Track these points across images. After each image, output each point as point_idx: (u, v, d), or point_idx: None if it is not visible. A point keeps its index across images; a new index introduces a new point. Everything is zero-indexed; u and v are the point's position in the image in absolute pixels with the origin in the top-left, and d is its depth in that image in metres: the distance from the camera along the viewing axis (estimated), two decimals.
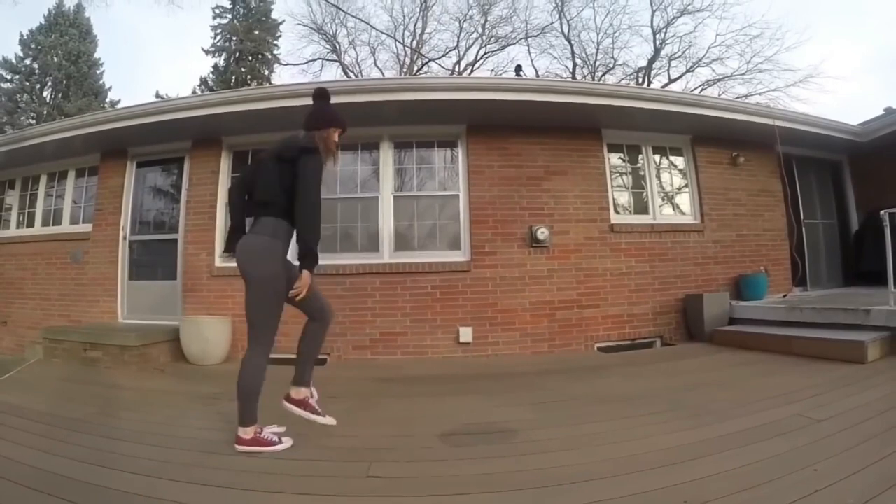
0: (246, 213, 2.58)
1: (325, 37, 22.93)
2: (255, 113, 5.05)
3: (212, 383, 3.95)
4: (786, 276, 6.12)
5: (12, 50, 23.72)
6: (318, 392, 2.61)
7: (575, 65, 21.46)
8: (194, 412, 3.07)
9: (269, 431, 2.38)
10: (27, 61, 22.86)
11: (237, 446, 2.28)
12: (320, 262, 2.28)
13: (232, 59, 23.15)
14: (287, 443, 2.36)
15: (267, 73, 23.64)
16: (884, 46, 30.44)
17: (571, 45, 21.39)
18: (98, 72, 24.30)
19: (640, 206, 5.83)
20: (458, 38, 22.34)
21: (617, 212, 5.66)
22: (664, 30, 20.31)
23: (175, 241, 5.64)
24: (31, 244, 6.34)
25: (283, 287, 2.37)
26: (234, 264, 2.43)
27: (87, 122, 5.66)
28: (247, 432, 2.28)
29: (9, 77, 22.56)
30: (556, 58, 22.66)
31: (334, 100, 4.85)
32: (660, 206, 5.88)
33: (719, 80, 19.92)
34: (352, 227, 5.41)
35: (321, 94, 2.66)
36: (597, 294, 5.32)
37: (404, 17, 22.96)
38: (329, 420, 2.53)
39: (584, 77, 20.72)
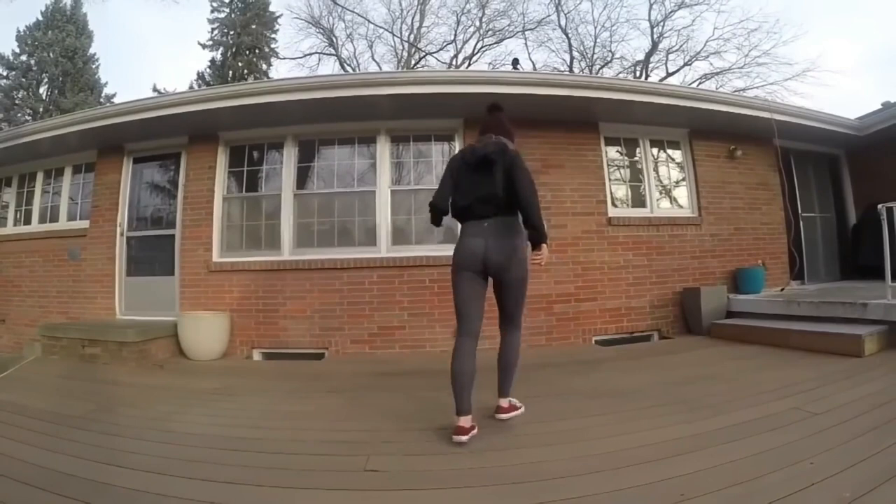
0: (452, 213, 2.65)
1: (322, 30, 22.86)
2: (252, 108, 5.03)
3: (211, 378, 3.97)
4: (783, 270, 6.13)
5: (9, 46, 23.57)
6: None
7: (572, 58, 21.35)
8: (195, 407, 3.07)
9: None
10: (23, 57, 22.66)
11: (500, 416, 2.58)
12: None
13: (229, 53, 22.97)
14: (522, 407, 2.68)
15: (264, 67, 23.50)
16: (883, 43, 30.39)
17: (569, 39, 21.30)
18: (94, 67, 24.14)
19: (638, 200, 5.82)
20: (456, 31, 22.24)
21: (614, 205, 5.65)
22: (662, 23, 20.20)
23: (172, 236, 5.62)
24: (28, 241, 6.32)
25: None
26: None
27: (82, 118, 5.63)
28: (505, 401, 2.62)
29: (5, 73, 22.40)
30: (553, 51, 22.68)
31: (331, 94, 4.92)
32: (657, 200, 5.88)
33: (717, 73, 19.89)
34: (349, 222, 5.41)
35: (500, 106, 2.94)
36: (594, 287, 5.32)
37: (402, 10, 22.70)
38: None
39: (582, 70, 20.61)
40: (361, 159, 5.57)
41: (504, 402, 2.60)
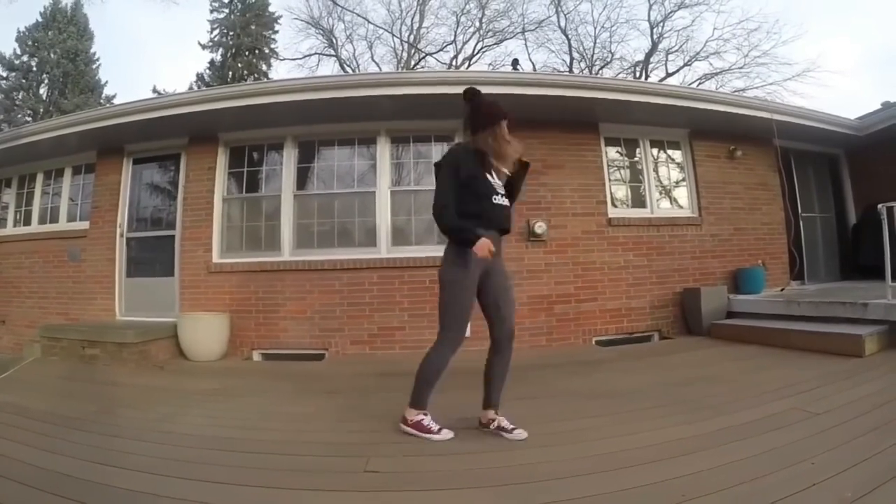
0: None
1: (321, 31, 22.87)
2: (251, 108, 5.02)
3: (211, 379, 3.97)
4: (783, 270, 6.13)
5: (9, 46, 23.56)
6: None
7: (572, 59, 21.38)
8: (194, 408, 3.07)
9: (432, 419, 2.42)
10: (24, 58, 22.68)
11: (400, 425, 2.42)
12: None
13: (229, 54, 22.97)
14: (447, 434, 2.36)
15: (264, 68, 23.50)
16: (882, 43, 30.41)
17: (569, 39, 21.31)
18: (94, 67, 24.14)
19: (638, 200, 5.82)
20: (456, 32, 22.27)
21: (614, 206, 5.65)
22: (661, 24, 20.23)
23: (172, 237, 5.62)
24: (28, 242, 6.32)
25: (469, 288, 2.49)
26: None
27: (82, 119, 5.63)
28: (411, 413, 2.40)
29: (5, 74, 22.41)
30: (553, 52, 22.53)
31: (330, 95, 4.92)
32: (657, 200, 5.88)
33: (717, 73, 19.93)
34: (349, 223, 5.41)
35: (472, 93, 2.59)
36: (594, 288, 5.31)
37: (402, 11, 22.70)
38: (520, 434, 2.35)
39: (582, 71, 20.62)
40: (361, 160, 5.57)
41: (410, 415, 2.40)
